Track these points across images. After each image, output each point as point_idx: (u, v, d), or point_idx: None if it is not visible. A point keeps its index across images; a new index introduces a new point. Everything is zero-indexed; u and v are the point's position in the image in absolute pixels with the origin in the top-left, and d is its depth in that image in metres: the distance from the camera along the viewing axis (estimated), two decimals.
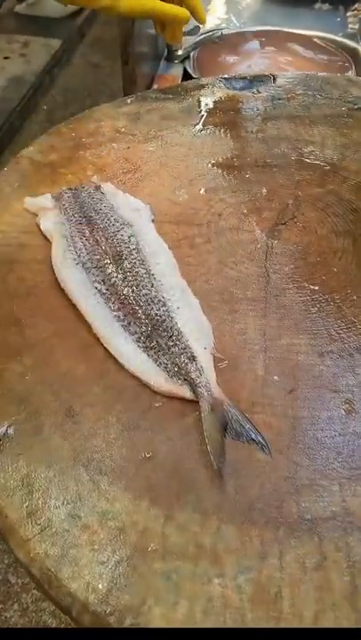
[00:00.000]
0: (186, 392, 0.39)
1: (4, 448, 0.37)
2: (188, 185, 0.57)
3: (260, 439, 0.37)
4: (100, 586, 0.31)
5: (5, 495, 0.35)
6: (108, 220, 0.50)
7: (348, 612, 0.30)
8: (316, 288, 0.46)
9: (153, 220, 0.52)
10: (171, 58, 1.09)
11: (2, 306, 0.46)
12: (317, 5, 1.29)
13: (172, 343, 0.41)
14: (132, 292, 0.44)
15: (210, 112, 0.68)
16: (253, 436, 0.37)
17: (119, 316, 0.43)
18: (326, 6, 1.28)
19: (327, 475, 0.35)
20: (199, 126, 0.66)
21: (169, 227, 0.52)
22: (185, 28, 1.03)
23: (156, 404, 0.39)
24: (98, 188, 0.54)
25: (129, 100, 0.71)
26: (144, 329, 0.42)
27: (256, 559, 0.32)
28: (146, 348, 0.41)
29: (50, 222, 0.51)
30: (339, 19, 1.26)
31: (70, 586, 0.31)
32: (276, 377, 0.40)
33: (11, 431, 0.38)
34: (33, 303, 0.45)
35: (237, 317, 0.44)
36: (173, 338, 0.42)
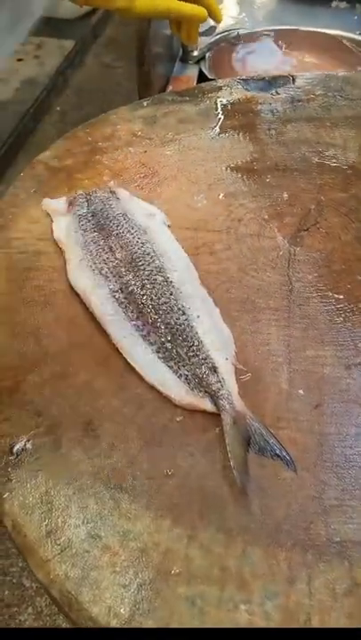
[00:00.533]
0: (207, 404, 0.38)
1: (22, 463, 0.36)
2: (206, 190, 0.56)
3: (285, 454, 0.35)
4: (122, 610, 0.30)
5: (24, 513, 0.34)
6: (122, 226, 0.49)
7: None
8: (342, 297, 0.45)
9: (169, 226, 0.51)
10: (186, 59, 1.07)
11: (19, 315, 0.45)
12: (334, 4, 1.27)
13: (192, 353, 0.40)
14: (151, 300, 0.43)
15: (227, 114, 0.67)
16: (278, 452, 0.35)
17: (138, 326, 0.42)
18: (343, 4, 1.26)
19: (356, 495, 0.34)
20: (217, 129, 0.64)
21: (188, 233, 0.51)
22: (200, 29, 1.02)
23: (178, 419, 0.38)
24: (113, 193, 0.53)
25: (145, 103, 0.70)
26: (163, 339, 0.41)
27: (284, 584, 0.31)
28: (165, 358, 0.40)
29: (62, 230, 0.50)
30: (356, 17, 1.24)
31: (91, 610, 0.30)
32: (301, 391, 0.39)
33: (29, 445, 0.37)
34: (50, 312, 0.45)
35: (260, 327, 0.43)
36: (194, 348, 0.40)
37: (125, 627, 0.29)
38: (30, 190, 0.57)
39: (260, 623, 0.29)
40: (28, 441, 0.37)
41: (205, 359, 0.40)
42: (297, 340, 0.42)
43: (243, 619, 0.29)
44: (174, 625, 0.29)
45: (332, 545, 0.32)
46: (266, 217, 0.53)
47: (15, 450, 0.36)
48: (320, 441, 0.36)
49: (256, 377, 0.40)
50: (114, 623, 0.29)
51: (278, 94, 0.70)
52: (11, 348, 0.42)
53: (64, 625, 0.91)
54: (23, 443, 0.37)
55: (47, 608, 0.93)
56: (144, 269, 0.45)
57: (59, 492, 0.34)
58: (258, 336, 0.43)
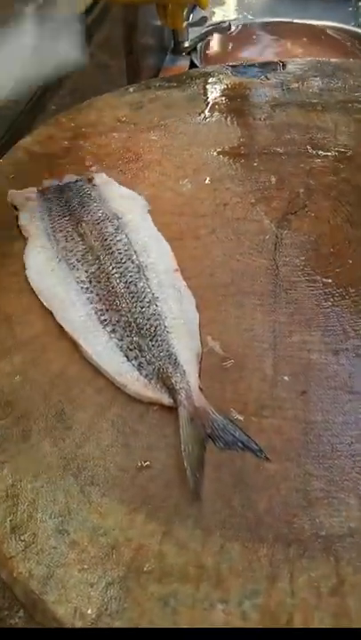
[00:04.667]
0: (165, 398, 0.35)
1: None
2: (192, 174, 0.54)
3: (254, 445, 0.33)
4: (88, 611, 0.28)
5: None
6: (95, 213, 0.47)
7: None
8: (330, 281, 0.43)
9: (149, 211, 0.49)
10: (177, 50, 1.06)
11: None
12: None
13: (154, 343, 0.37)
14: (117, 285, 0.41)
15: (216, 100, 0.65)
16: (245, 443, 0.33)
17: (97, 309, 0.40)
18: None
19: (344, 486, 0.32)
20: (204, 114, 0.62)
21: (172, 218, 0.49)
22: (191, 19, 1.01)
23: (154, 408, 0.36)
24: (90, 179, 0.51)
25: (132, 89, 0.68)
26: (126, 327, 0.38)
27: (264, 582, 0.28)
28: (125, 347, 0.38)
29: (27, 218, 0.48)
30: (350, 8, 1.22)
31: (56, 610, 0.28)
32: (286, 377, 0.37)
33: None
34: (25, 300, 0.42)
35: (244, 313, 0.41)
36: (157, 338, 0.38)
37: (92, 627, 0.27)
38: (9, 176, 0.55)
39: (237, 624, 0.27)
40: None
41: (168, 350, 0.37)
42: (283, 326, 0.40)
43: (219, 619, 0.27)
44: (144, 625, 0.27)
45: (317, 540, 0.30)
46: (253, 201, 0.50)
47: None
48: (305, 430, 0.34)
49: (240, 363, 0.38)
50: (79, 624, 0.27)
51: (268, 79, 0.68)
52: None
53: None
54: None
55: None
56: (114, 256, 0.43)
57: (26, 486, 0.32)
58: (242, 321, 0.40)
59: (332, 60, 0.73)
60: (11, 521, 0.31)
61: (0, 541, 0.30)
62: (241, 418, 0.35)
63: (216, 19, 1.20)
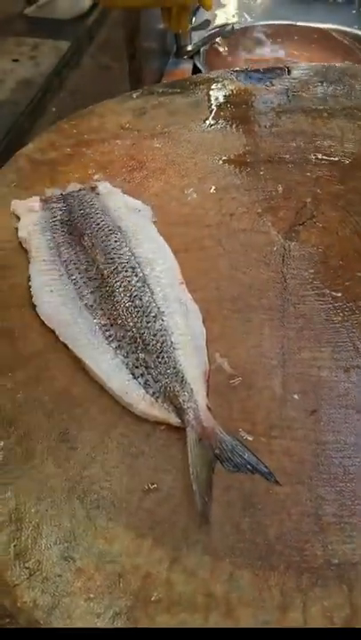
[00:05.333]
0: (172, 418, 0.34)
1: None
2: (197, 183, 0.53)
3: (263, 468, 0.32)
4: None
5: None
6: (98, 225, 0.45)
7: None
8: (339, 295, 0.42)
9: (155, 222, 0.48)
10: (180, 54, 1.05)
11: None
12: None
13: (160, 360, 0.36)
14: (122, 299, 0.40)
15: (220, 106, 0.64)
16: (255, 465, 0.32)
17: (102, 324, 0.39)
18: None
19: (356, 511, 0.31)
20: (209, 121, 0.61)
21: (177, 228, 0.48)
22: (194, 23, 1.00)
23: (162, 427, 0.35)
24: (94, 188, 0.50)
25: (134, 95, 0.67)
26: (132, 344, 0.37)
27: (275, 612, 0.27)
28: (132, 365, 0.37)
29: (26, 230, 0.47)
30: (354, 11, 1.21)
31: None
32: (295, 395, 0.36)
33: None
34: (27, 313, 0.41)
35: (252, 328, 0.40)
36: (163, 355, 0.37)
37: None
38: (11, 184, 0.54)
39: None
40: None
41: (174, 367, 0.36)
42: (292, 341, 0.39)
43: None
44: None
45: (329, 567, 0.29)
46: (259, 211, 0.50)
47: None
48: (316, 451, 0.33)
49: (248, 381, 0.37)
50: None
51: (273, 85, 0.67)
52: None
53: None
54: None
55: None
56: (118, 270, 0.42)
57: (29, 509, 0.31)
58: (250, 337, 0.39)
59: (338, 64, 0.72)
60: (15, 546, 0.30)
61: (4, 568, 0.29)
62: (250, 438, 0.34)
63: (218, 21, 1.19)
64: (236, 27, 1.07)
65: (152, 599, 0.28)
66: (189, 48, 1.03)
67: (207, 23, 1.02)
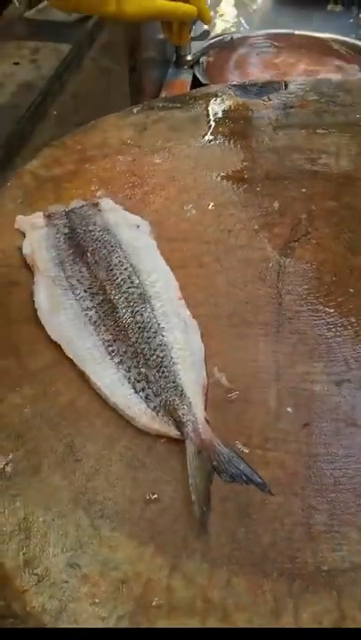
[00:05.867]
0: (172, 431, 0.36)
1: (0, 488, 0.35)
2: (196, 199, 0.55)
3: (258, 479, 0.34)
4: None
5: (1, 541, 0.32)
6: (100, 241, 0.47)
7: None
8: (332, 311, 0.44)
9: (154, 237, 0.50)
10: (180, 63, 1.06)
11: (0, 331, 0.44)
12: (330, 7, 1.26)
13: (160, 374, 0.38)
14: (123, 315, 0.41)
15: (219, 121, 0.65)
16: (250, 476, 0.34)
17: (105, 340, 0.40)
18: (339, 8, 1.25)
19: (345, 520, 0.33)
20: (208, 137, 0.63)
21: (176, 244, 0.50)
22: (193, 33, 1.01)
23: (162, 440, 0.37)
24: (96, 205, 0.52)
25: (135, 110, 0.69)
26: (133, 358, 0.39)
27: (269, 617, 0.29)
28: (134, 380, 0.38)
29: (31, 246, 0.48)
30: (351, 20, 1.23)
31: None
32: (289, 409, 0.38)
33: (8, 469, 0.36)
34: (33, 329, 0.43)
35: (248, 343, 0.42)
36: (164, 369, 0.38)
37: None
38: (17, 201, 0.56)
39: None
40: (7, 464, 0.36)
41: (174, 382, 0.38)
42: (286, 356, 0.41)
43: None
44: None
45: (320, 574, 0.31)
46: (256, 227, 0.51)
47: None
48: (308, 463, 0.35)
49: (244, 395, 0.39)
50: None
51: (270, 100, 0.69)
52: None
53: None
54: (2, 466, 0.35)
55: None
56: (120, 286, 0.43)
57: (37, 519, 0.33)
58: (246, 352, 0.41)
59: (333, 79, 0.74)
60: (24, 554, 0.32)
61: (13, 575, 0.31)
62: (246, 450, 0.36)
63: (217, 30, 1.21)
64: (235, 36, 1.09)
65: (153, 604, 0.30)
66: (189, 58, 1.04)
67: (207, 34, 1.04)
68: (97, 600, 0.30)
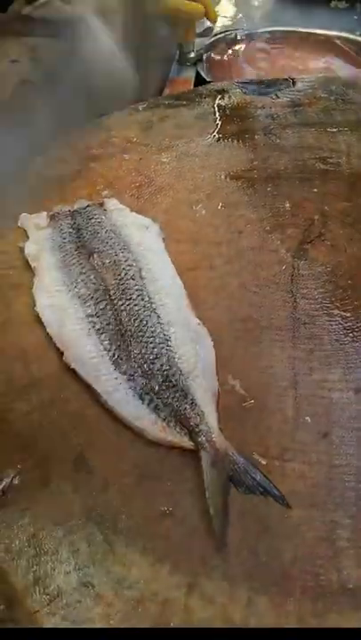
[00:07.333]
0: (185, 441, 0.35)
1: (8, 502, 0.33)
2: (205, 199, 0.53)
3: (275, 491, 0.33)
4: None
5: (10, 558, 0.31)
6: (107, 243, 0.46)
7: None
8: (349, 315, 0.42)
9: (163, 239, 0.48)
10: (183, 60, 1.04)
11: (6, 336, 0.42)
12: (333, 4, 1.25)
13: (168, 384, 0.37)
14: (128, 323, 0.40)
15: (226, 119, 0.64)
16: (267, 488, 0.33)
17: (108, 348, 0.39)
18: (343, 4, 1.24)
19: None
20: (215, 135, 0.62)
21: (186, 246, 0.48)
22: (197, 30, 1.00)
23: (175, 451, 0.35)
24: (101, 205, 0.50)
25: (140, 108, 0.67)
26: (139, 368, 0.38)
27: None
28: (140, 391, 0.37)
29: (35, 246, 0.47)
30: (356, 17, 1.21)
31: None
32: (308, 418, 0.37)
33: (16, 482, 0.34)
34: (39, 332, 0.42)
35: (263, 349, 0.40)
36: (171, 378, 0.37)
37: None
38: (22, 200, 0.54)
39: None
40: (15, 477, 0.34)
41: (182, 390, 0.36)
42: (302, 363, 0.40)
43: None
44: None
45: (344, 592, 0.29)
46: (268, 228, 0.50)
47: (1, 487, 0.33)
48: (329, 474, 0.34)
49: (260, 403, 0.37)
50: None
51: (278, 98, 0.67)
52: None
53: None
54: (10, 479, 0.34)
55: None
56: (125, 292, 0.42)
57: (48, 535, 0.32)
58: (261, 358, 0.40)
59: (342, 76, 0.72)
60: (34, 572, 0.31)
61: (23, 594, 0.30)
62: (263, 462, 0.34)
63: (217, 27, 1.19)
64: (239, 33, 1.07)
65: (171, 626, 0.28)
66: (192, 55, 1.02)
67: (210, 30, 1.02)
68: (112, 622, 0.29)
